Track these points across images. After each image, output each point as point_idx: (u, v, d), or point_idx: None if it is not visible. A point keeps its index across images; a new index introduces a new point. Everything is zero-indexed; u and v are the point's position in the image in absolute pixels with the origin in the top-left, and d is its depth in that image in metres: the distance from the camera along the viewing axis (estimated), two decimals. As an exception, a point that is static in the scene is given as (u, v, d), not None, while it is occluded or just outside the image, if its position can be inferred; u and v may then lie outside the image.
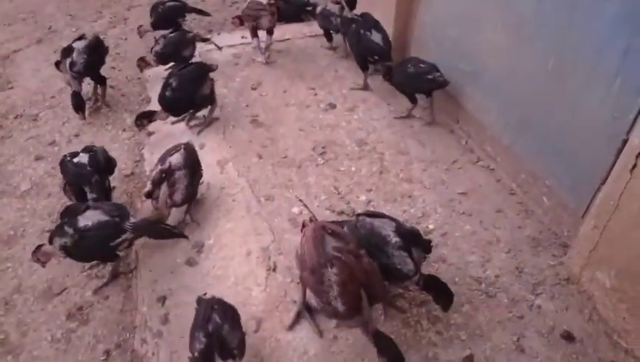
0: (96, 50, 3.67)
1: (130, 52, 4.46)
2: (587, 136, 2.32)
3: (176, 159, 2.63)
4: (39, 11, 5.30)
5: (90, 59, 3.57)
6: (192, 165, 2.71)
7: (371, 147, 3.27)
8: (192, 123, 3.50)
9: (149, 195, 2.62)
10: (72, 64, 3.51)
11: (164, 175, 2.60)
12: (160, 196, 2.59)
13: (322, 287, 1.89)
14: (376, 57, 3.54)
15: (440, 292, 2.13)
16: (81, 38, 3.66)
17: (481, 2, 2.95)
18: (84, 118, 3.57)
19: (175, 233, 2.44)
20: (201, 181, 2.86)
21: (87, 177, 2.68)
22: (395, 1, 3.60)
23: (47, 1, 5.50)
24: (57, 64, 3.63)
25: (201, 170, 2.82)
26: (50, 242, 2.35)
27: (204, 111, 3.50)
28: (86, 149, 2.82)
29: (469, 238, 2.62)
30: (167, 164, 2.60)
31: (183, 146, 2.71)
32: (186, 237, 2.58)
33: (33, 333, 2.34)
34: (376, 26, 3.56)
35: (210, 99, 3.44)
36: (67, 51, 3.55)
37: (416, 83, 3.29)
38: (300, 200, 2.68)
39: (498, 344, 2.15)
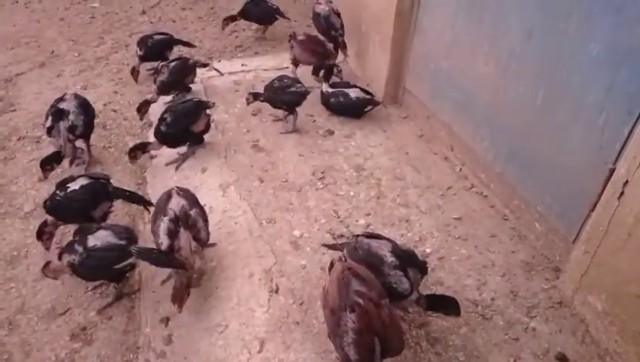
0: (88, 107, 3.45)
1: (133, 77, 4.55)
2: (575, 165, 2.45)
3: (177, 205, 2.46)
4: (42, 36, 5.39)
5: (87, 119, 3.36)
6: (197, 202, 2.60)
7: (369, 173, 3.38)
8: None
9: (171, 250, 2.39)
10: (72, 128, 3.26)
11: (175, 224, 2.41)
12: (182, 245, 2.41)
13: (338, 330, 1.92)
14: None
15: (445, 304, 2.21)
16: (62, 98, 3.37)
17: (471, 37, 3.12)
18: (45, 178, 3.21)
19: (179, 263, 2.39)
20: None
21: (105, 189, 2.74)
22: (392, 35, 3.77)
23: (49, 26, 5.61)
24: (50, 130, 3.26)
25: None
26: (60, 258, 2.39)
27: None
28: (68, 180, 2.75)
29: (464, 262, 2.71)
30: (171, 213, 2.42)
31: (175, 191, 2.53)
32: (186, 269, 2.42)
33: (37, 353, 2.35)
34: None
35: (203, 133, 3.55)
36: (58, 114, 3.26)
37: (283, 96, 3.68)
38: (326, 245, 2.71)
39: (495, 365, 2.22)
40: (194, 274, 2.52)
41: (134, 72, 4.39)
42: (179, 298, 2.35)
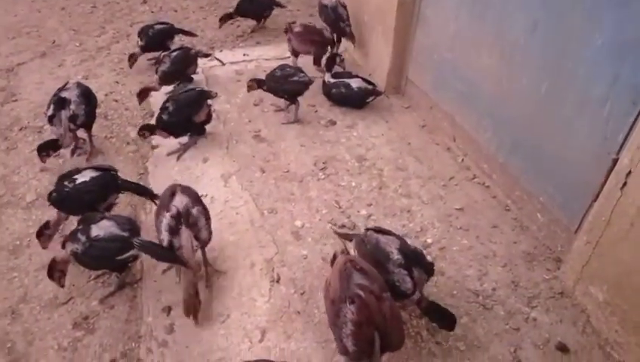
0: (90, 96, 3.42)
1: (134, 67, 4.53)
2: (578, 155, 2.44)
3: (180, 202, 2.39)
4: (43, 25, 5.37)
5: (88, 108, 3.33)
6: (199, 200, 2.53)
7: (370, 163, 3.37)
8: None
9: (171, 247, 2.35)
10: (74, 117, 3.23)
11: (176, 221, 2.36)
12: (184, 244, 2.35)
13: (338, 321, 1.92)
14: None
15: (442, 317, 2.18)
16: (65, 86, 3.36)
17: (475, 29, 3.09)
18: (44, 162, 3.28)
19: (180, 259, 2.35)
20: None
21: (115, 181, 2.74)
22: (394, 25, 3.73)
23: (50, 16, 5.59)
24: (51, 119, 3.24)
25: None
26: (63, 247, 2.39)
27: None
28: (73, 172, 2.73)
29: (466, 252, 2.71)
30: (173, 210, 2.36)
31: (178, 188, 2.47)
32: (186, 265, 2.36)
33: (39, 342, 2.36)
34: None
35: (205, 124, 3.54)
36: (60, 103, 3.24)
37: (285, 85, 3.64)
38: (337, 232, 2.71)
39: (495, 355, 2.22)
40: (199, 278, 2.49)
41: (131, 59, 4.36)
42: (192, 309, 2.32)
